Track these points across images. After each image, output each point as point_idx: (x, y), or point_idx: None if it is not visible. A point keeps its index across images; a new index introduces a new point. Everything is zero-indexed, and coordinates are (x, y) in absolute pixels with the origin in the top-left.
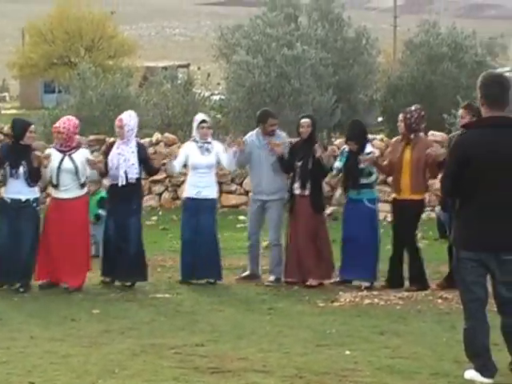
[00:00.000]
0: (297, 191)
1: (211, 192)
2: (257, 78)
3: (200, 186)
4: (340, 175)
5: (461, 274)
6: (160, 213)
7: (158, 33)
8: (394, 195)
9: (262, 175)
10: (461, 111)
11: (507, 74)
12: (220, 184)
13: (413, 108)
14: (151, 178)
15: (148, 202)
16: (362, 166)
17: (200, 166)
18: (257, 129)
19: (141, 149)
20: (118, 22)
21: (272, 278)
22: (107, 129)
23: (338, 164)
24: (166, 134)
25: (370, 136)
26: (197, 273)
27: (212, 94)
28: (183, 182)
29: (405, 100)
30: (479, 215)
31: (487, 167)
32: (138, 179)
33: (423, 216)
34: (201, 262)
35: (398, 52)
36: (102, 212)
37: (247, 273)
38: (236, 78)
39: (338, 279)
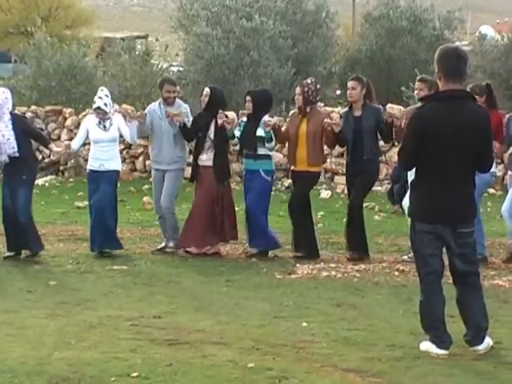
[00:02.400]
0: (200, 162)
1: (114, 165)
2: (216, 50)
3: (102, 158)
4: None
5: (417, 247)
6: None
7: (116, 3)
8: (292, 167)
9: (162, 145)
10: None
11: (465, 48)
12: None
13: (309, 81)
14: None
15: None
16: (260, 133)
17: (101, 140)
18: (160, 99)
19: (17, 122)
20: None
21: (171, 244)
22: (64, 99)
23: (236, 133)
24: (124, 106)
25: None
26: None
27: (170, 66)
28: (141, 153)
29: (363, 73)
30: (435, 188)
31: (444, 140)
32: (27, 152)
33: (381, 189)
34: (100, 233)
35: (357, 25)
36: None
37: (163, 244)
38: (195, 49)
39: (253, 251)
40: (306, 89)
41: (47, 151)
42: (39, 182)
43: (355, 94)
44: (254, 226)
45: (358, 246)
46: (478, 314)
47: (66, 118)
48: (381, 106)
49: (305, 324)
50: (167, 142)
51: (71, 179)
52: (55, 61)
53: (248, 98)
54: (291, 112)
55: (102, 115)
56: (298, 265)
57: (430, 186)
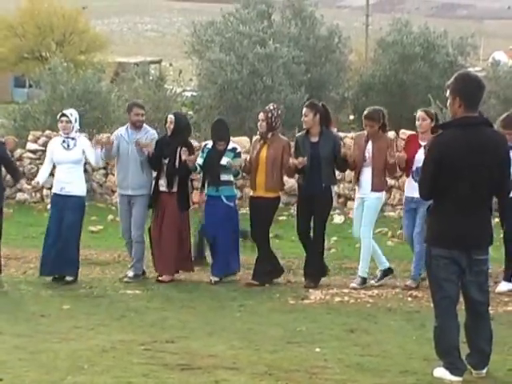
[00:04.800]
0: (163, 188)
1: (75, 188)
2: (229, 76)
3: (64, 181)
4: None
5: (433, 271)
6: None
7: (130, 28)
8: (251, 193)
9: (128, 170)
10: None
11: (478, 74)
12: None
13: (271, 107)
14: None
15: None
16: (223, 162)
17: (63, 161)
18: (128, 123)
19: None
20: (90, 17)
21: (131, 273)
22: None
23: (199, 161)
24: None
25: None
26: (53, 268)
27: (184, 91)
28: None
29: (377, 98)
30: (452, 213)
31: (462, 166)
32: None
33: (394, 214)
34: (58, 258)
35: (369, 51)
36: None
37: (132, 273)
38: (208, 74)
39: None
40: (269, 115)
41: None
42: None
43: (308, 120)
44: (221, 253)
45: (315, 275)
46: (485, 340)
47: None
48: (338, 134)
49: (318, 349)
50: (134, 168)
51: (85, 203)
52: (70, 86)
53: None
54: (254, 138)
55: (66, 124)
56: (310, 290)
57: (447, 211)
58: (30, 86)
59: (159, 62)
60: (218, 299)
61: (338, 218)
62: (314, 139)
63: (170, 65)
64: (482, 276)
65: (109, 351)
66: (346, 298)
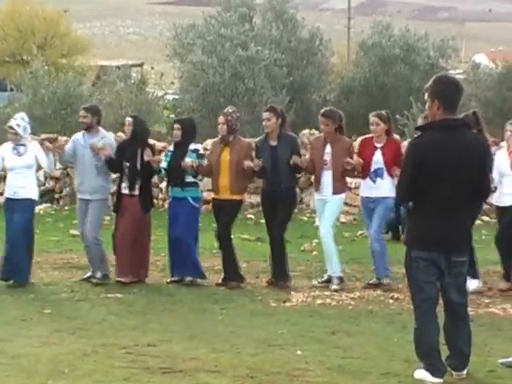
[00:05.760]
0: (125, 191)
1: (28, 193)
2: (211, 78)
3: (17, 186)
4: None
5: (413, 273)
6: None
7: (111, 31)
8: (213, 195)
9: (85, 174)
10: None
11: (459, 76)
12: None
13: (231, 110)
14: None
15: None
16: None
17: (15, 166)
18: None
19: None
20: (72, 20)
21: (99, 275)
22: (59, 128)
23: (163, 164)
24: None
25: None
26: (3, 272)
27: (166, 94)
28: None
29: (358, 101)
30: (432, 215)
31: (441, 169)
32: None
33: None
34: (6, 261)
35: (351, 53)
36: None
37: (88, 274)
38: (190, 77)
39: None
40: (229, 117)
41: (42, 178)
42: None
43: (271, 124)
44: (182, 253)
45: (282, 274)
46: (464, 342)
47: None
48: (295, 135)
49: (299, 352)
50: (90, 172)
51: (66, 207)
52: (51, 89)
53: (177, 125)
54: (213, 140)
55: (14, 136)
56: (292, 293)
57: (427, 213)
58: (11, 89)
59: (141, 65)
60: (199, 302)
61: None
62: (274, 143)
63: (152, 68)
64: (460, 278)
65: (90, 355)
66: (328, 301)
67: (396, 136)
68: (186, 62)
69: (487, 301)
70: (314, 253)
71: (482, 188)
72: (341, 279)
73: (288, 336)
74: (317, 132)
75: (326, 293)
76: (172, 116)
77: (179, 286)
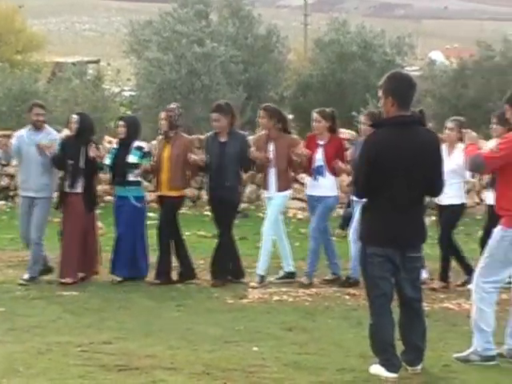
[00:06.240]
0: (67, 189)
1: None
2: (167, 75)
3: None
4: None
5: (368, 269)
6: None
7: (67, 28)
8: (157, 192)
9: (30, 171)
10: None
11: (415, 73)
12: None
13: (173, 105)
14: None
15: None
16: (131, 160)
17: None
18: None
19: None
20: (27, 16)
21: (26, 276)
22: (15, 124)
23: (107, 161)
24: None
25: None
26: None
27: (122, 90)
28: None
29: (315, 98)
30: (386, 211)
31: (395, 165)
32: None
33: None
34: None
35: (308, 50)
36: None
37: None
38: (146, 74)
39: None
40: (170, 113)
41: None
42: None
43: (220, 125)
44: (124, 253)
45: (222, 272)
46: (419, 337)
47: None
48: (245, 133)
49: (256, 348)
50: (35, 169)
51: None
52: (6, 86)
53: (121, 123)
54: (159, 137)
55: None
56: (249, 289)
57: (381, 209)
58: None
59: (97, 61)
60: (155, 299)
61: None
62: (223, 139)
63: (108, 64)
64: (415, 273)
65: (45, 353)
66: (285, 297)
67: (352, 132)
68: (142, 58)
69: (442, 296)
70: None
71: (435, 185)
72: (262, 278)
73: (244, 332)
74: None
75: (283, 289)
76: (129, 113)
77: (135, 283)
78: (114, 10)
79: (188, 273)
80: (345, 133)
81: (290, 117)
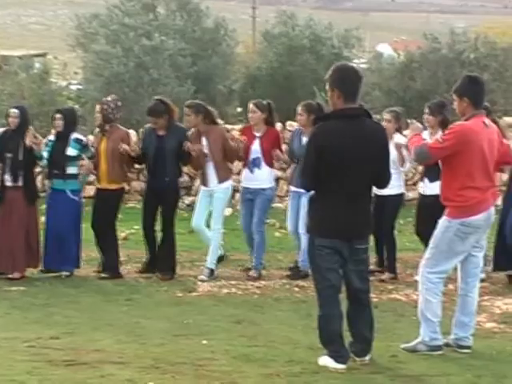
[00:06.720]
0: (8, 183)
1: None
2: (115, 68)
3: None
4: None
5: (316, 261)
6: None
7: (13, 21)
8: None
9: None
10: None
11: (363, 66)
12: None
13: (109, 98)
14: None
15: None
16: (70, 153)
17: None
18: None
19: None
20: None
21: None
22: None
23: (44, 154)
24: None
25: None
26: None
27: (69, 84)
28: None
29: (263, 90)
30: (333, 203)
31: (342, 157)
32: None
33: (281, 206)
34: None
35: (257, 43)
36: None
37: None
38: (94, 67)
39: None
40: (105, 106)
41: None
42: None
43: (158, 127)
44: (60, 246)
45: (167, 266)
46: (366, 328)
47: None
48: (185, 127)
49: (205, 341)
50: None
51: None
52: None
53: (58, 115)
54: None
55: None
56: (199, 283)
57: (329, 201)
58: None
59: (44, 55)
60: (104, 294)
61: (225, 211)
62: (161, 133)
63: (55, 58)
64: (362, 265)
65: None
66: (234, 290)
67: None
68: (89, 51)
69: (390, 287)
70: (221, 242)
71: (382, 176)
72: (212, 272)
73: (193, 326)
74: (221, 121)
75: (232, 282)
76: (76, 107)
77: (83, 277)
78: (60, 3)
79: (111, 266)
80: (292, 125)
81: (239, 110)
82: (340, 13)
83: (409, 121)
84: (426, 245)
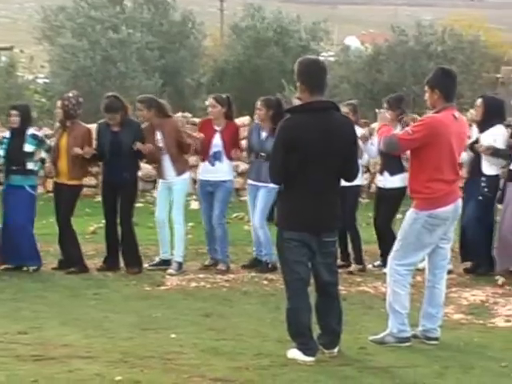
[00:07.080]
0: None
1: None
2: (82, 62)
3: None
4: None
5: (284, 254)
6: None
7: None
8: (54, 179)
9: None
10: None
11: (331, 59)
12: None
13: (71, 94)
14: None
15: None
16: (27, 149)
17: None
18: None
19: None
20: None
21: None
22: None
23: (1, 152)
24: None
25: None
26: None
27: (36, 78)
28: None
29: (231, 83)
30: (302, 196)
31: (311, 150)
32: None
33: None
34: None
35: (225, 36)
36: None
37: None
38: (60, 61)
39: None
40: (66, 102)
41: None
42: None
43: (114, 123)
44: (21, 242)
45: (134, 261)
46: (335, 320)
47: None
48: (139, 122)
49: (173, 335)
50: None
51: None
52: None
53: (14, 112)
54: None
55: None
56: (167, 276)
57: (297, 194)
58: None
59: (10, 48)
60: (71, 288)
61: (194, 204)
62: (116, 129)
63: (22, 51)
64: (330, 257)
65: None
66: (202, 283)
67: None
68: (55, 45)
69: (359, 279)
70: (189, 236)
71: (350, 169)
72: (180, 265)
73: (162, 319)
74: (189, 115)
75: (201, 276)
76: (43, 100)
77: (51, 272)
78: None
79: (69, 261)
80: None
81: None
82: (308, 6)
83: (377, 110)
84: (382, 239)
